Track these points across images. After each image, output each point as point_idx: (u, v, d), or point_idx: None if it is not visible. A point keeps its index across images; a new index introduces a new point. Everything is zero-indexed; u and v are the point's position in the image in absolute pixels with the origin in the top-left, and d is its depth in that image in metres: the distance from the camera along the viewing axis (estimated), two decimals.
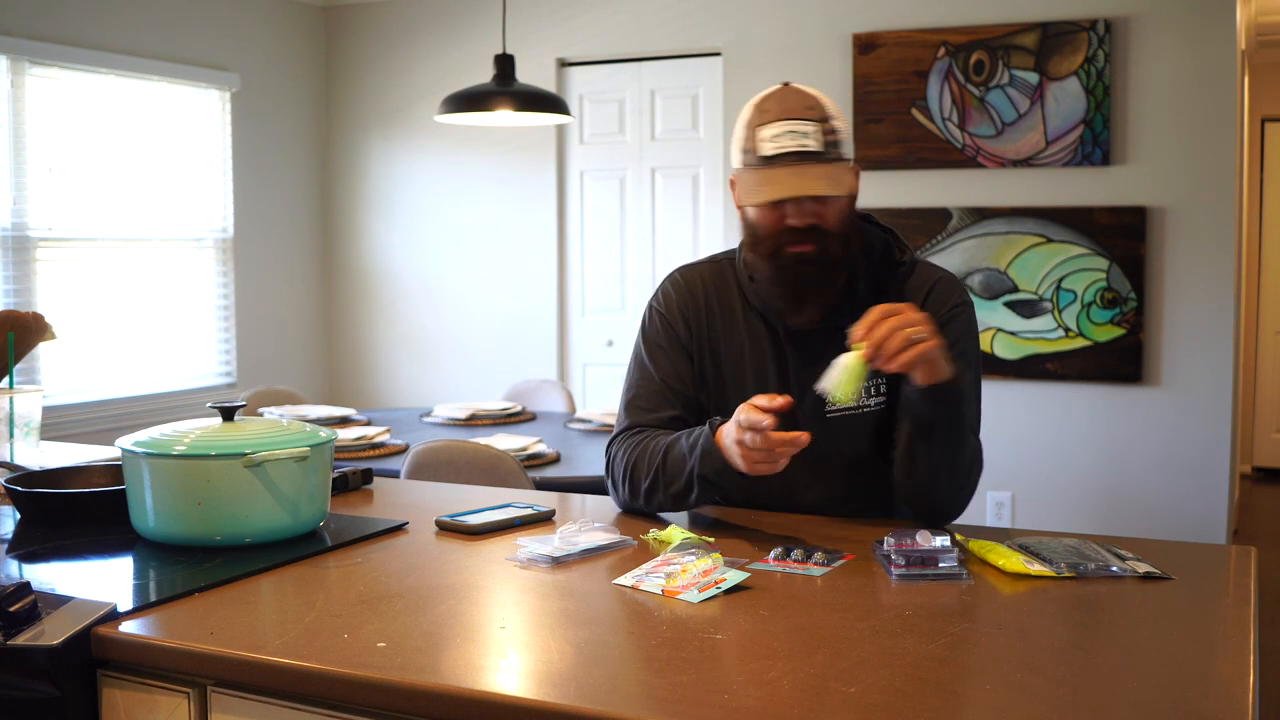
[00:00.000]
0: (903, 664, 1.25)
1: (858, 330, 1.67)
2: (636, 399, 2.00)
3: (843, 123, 1.85)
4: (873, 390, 1.92)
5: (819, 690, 1.18)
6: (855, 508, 1.95)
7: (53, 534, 1.81)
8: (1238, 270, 4.82)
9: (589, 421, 4.14)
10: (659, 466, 1.86)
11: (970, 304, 1.97)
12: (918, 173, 4.89)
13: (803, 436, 1.66)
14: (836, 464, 1.93)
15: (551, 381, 5.06)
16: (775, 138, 1.78)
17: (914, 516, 1.90)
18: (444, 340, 6.02)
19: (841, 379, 1.68)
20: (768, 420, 1.65)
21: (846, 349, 1.69)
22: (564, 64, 5.65)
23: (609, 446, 2.00)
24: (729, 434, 1.73)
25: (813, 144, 1.78)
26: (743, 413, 1.68)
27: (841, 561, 1.63)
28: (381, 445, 3.70)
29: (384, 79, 6.04)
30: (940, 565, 1.57)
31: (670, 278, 2.06)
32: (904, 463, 1.83)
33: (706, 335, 1.98)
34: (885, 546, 1.62)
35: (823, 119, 1.80)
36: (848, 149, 1.85)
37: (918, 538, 1.62)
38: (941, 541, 1.61)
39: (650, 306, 2.05)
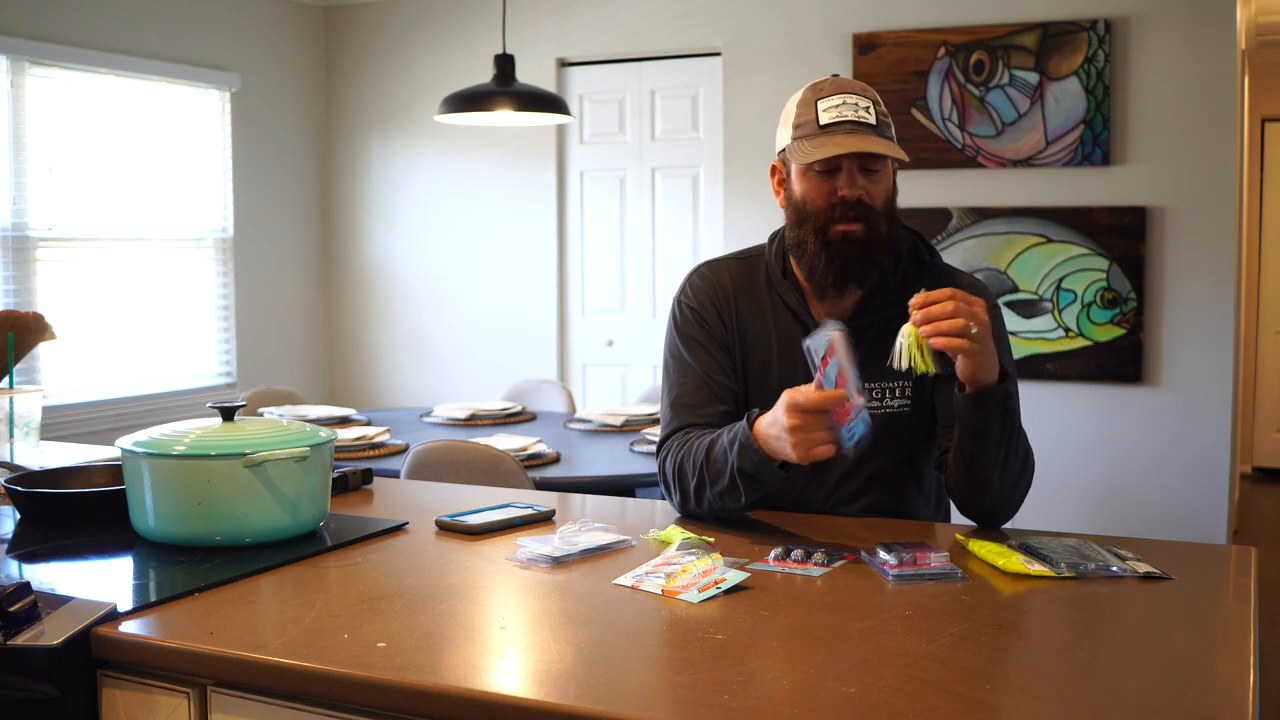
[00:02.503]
0: (902, 664, 1.25)
1: (917, 298, 1.66)
2: (682, 397, 1.96)
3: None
4: (896, 392, 1.92)
5: (819, 690, 1.18)
6: (862, 508, 1.95)
7: (53, 534, 1.81)
8: (1238, 270, 4.82)
9: (589, 421, 4.14)
10: (703, 465, 1.83)
11: (999, 306, 1.99)
12: (918, 173, 4.89)
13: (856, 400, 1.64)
14: (853, 462, 1.93)
15: (551, 381, 5.06)
16: (834, 107, 1.83)
17: (970, 519, 1.89)
18: (444, 340, 6.02)
19: (908, 352, 1.67)
20: (810, 393, 1.64)
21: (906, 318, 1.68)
22: (564, 64, 5.65)
23: (659, 450, 1.96)
24: (773, 424, 1.69)
25: (869, 118, 1.83)
26: (787, 398, 1.66)
27: (841, 561, 1.63)
28: (381, 445, 3.70)
29: (384, 79, 6.04)
30: (933, 564, 1.57)
31: (696, 271, 2.05)
32: (958, 467, 1.82)
33: (736, 328, 1.98)
34: (875, 554, 1.62)
35: (876, 100, 1.87)
36: (894, 135, 1.89)
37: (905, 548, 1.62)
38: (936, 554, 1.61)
39: (678, 301, 2.03)
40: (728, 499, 1.83)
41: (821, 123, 1.83)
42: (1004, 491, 1.82)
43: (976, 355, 1.67)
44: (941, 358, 1.68)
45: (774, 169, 1.97)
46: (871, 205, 1.85)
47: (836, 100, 1.84)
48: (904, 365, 1.68)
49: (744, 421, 1.78)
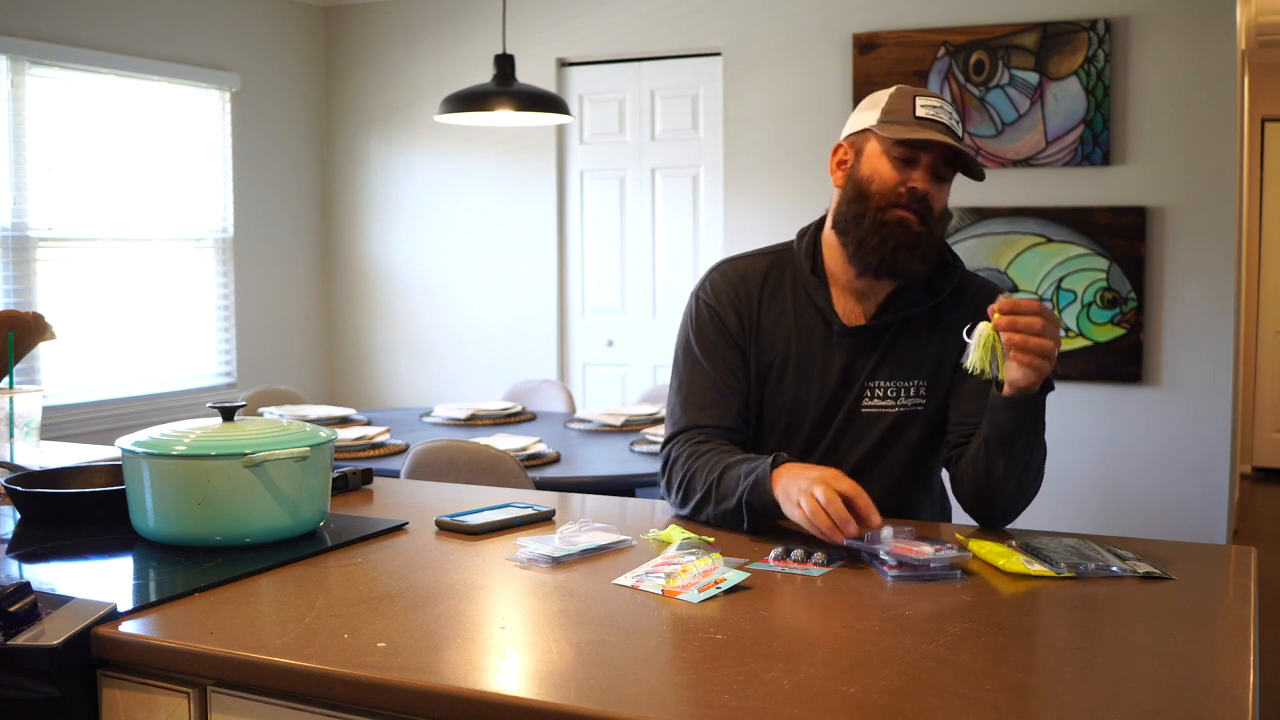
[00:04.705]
0: (902, 664, 1.25)
1: (1005, 303, 1.67)
2: (691, 396, 1.96)
3: None
4: (911, 391, 1.92)
5: (819, 690, 1.18)
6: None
7: (53, 534, 1.81)
8: (1238, 270, 4.82)
9: (589, 421, 4.14)
10: (713, 485, 1.84)
11: None
12: None
13: (873, 519, 1.64)
14: (862, 459, 1.94)
15: (551, 381, 5.06)
16: (931, 108, 1.87)
17: (974, 518, 1.90)
18: (444, 340, 6.02)
19: (980, 351, 1.69)
20: (852, 528, 1.63)
21: (981, 320, 1.70)
22: (564, 64, 5.65)
23: (665, 445, 1.96)
24: (793, 490, 1.69)
25: (958, 130, 1.88)
26: (824, 489, 1.64)
27: (841, 561, 1.63)
28: (381, 445, 3.70)
29: (384, 79, 6.04)
30: (931, 565, 1.57)
31: (718, 268, 2.04)
32: (976, 468, 1.83)
33: (754, 327, 1.97)
34: (867, 545, 1.62)
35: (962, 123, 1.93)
36: None
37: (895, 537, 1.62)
38: (927, 545, 1.60)
39: (697, 297, 2.02)
40: (729, 520, 1.83)
41: (918, 114, 1.86)
42: (1015, 496, 1.83)
43: (1045, 371, 1.70)
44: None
45: (837, 148, 1.97)
46: (932, 207, 1.87)
47: (934, 103, 1.88)
48: (977, 367, 1.69)
49: (768, 461, 1.78)
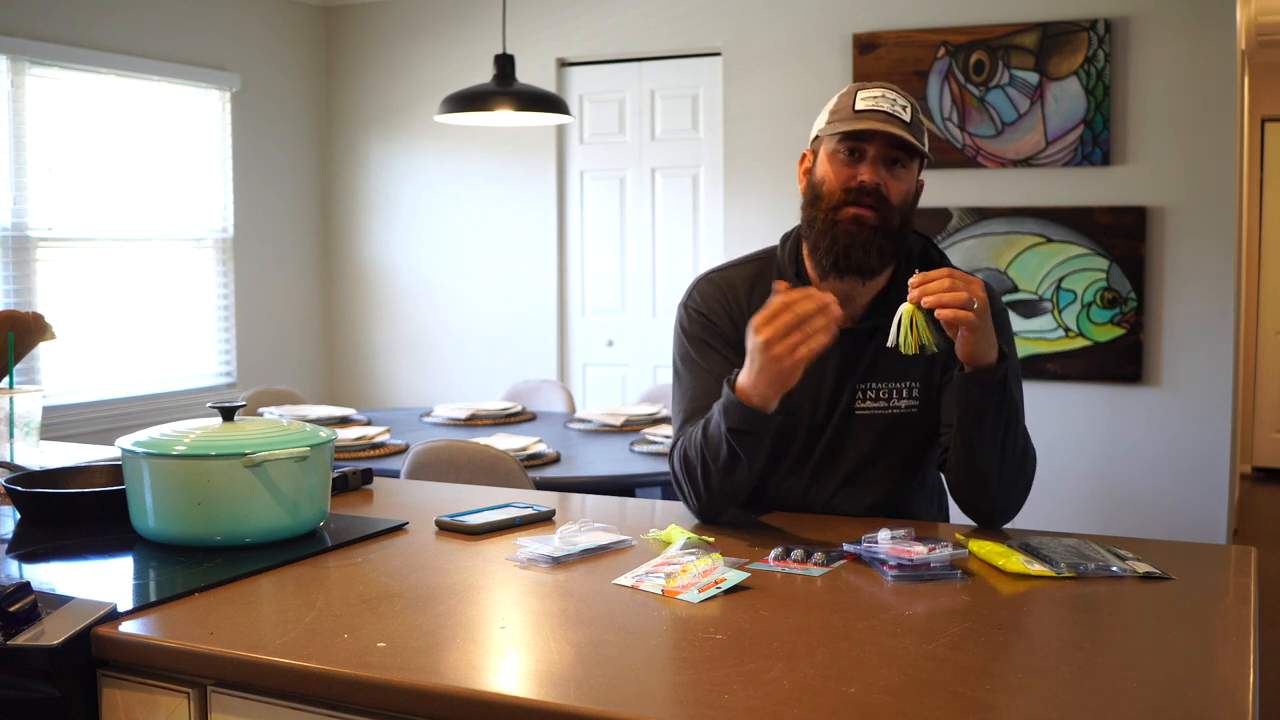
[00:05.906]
0: (902, 664, 1.25)
1: (915, 278, 1.70)
2: (696, 400, 1.93)
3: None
4: (904, 392, 1.92)
5: (819, 690, 1.18)
6: (866, 507, 1.96)
7: (53, 534, 1.81)
8: (1238, 270, 4.82)
9: (589, 421, 4.15)
10: (702, 446, 1.82)
11: (1007, 310, 1.99)
12: None
13: (828, 301, 1.66)
14: (856, 461, 1.94)
15: (551, 381, 5.06)
16: (871, 98, 1.86)
17: (972, 518, 1.89)
18: (444, 340, 6.02)
19: (901, 328, 1.70)
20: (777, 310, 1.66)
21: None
22: (564, 64, 5.65)
23: (670, 457, 1.93)
24: (748, 364, 1.72)
25: (903, 115, 1.86)
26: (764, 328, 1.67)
27: (841, 562, 1.63)
28: (381, 445, 3.70)
29: (384, 79, 6.04)
30: (931, 565, 1.57)
31: (704, 277, 2.04)
32: (959, 459, 1.82)
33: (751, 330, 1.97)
34: (864, 547, 1.62)
35: (915, 106, 1.90)
36: (925, 143, 1.91)
37: (893, 540, 1.62)
38: (918, 545, 1.60)
39: (684, 307, 2.01)
40: (735, 471, 1.80)
41: (857, 108, 1.86)
42: (1004, 485, 1.82)
43: (977, 330, 1.69)
44: (940, 335, 1.71)
45: (802, 157, 1.98)
46: (887, 198, 1.86)
47: (876, 93, 1.87)
48: (902, 345, 1.70)
49: (724, 385, 1.78)
